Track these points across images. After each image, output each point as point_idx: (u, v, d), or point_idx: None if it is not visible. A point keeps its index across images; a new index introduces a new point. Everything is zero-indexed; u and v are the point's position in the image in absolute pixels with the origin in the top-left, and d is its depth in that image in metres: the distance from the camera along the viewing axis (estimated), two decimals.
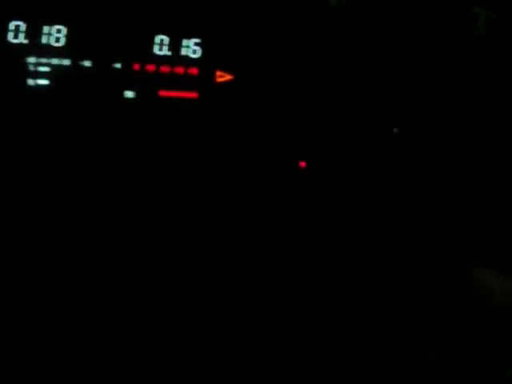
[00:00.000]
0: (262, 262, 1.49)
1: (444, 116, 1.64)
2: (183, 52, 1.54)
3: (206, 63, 1.55)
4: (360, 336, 1.39)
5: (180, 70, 1.54)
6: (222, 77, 1.56)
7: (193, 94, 1.55)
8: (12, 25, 1.45)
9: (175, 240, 1.48)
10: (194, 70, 1.55)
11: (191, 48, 1.55)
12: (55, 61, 1.49)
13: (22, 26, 1.46)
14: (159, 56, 1.53)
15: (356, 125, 1.62)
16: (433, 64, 1.64)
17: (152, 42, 1.53)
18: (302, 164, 1.57)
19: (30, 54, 1.47)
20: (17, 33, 1.45)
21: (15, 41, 1.46)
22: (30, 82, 1.48)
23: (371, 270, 1.49)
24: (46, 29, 1.48)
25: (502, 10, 1.74)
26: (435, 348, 1.34)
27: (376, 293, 1.47)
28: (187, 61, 1.54)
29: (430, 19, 1.68)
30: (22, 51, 1.46)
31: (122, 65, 1.52)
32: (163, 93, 1.54)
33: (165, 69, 1.54)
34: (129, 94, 1.53)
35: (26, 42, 1.46)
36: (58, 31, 1.48)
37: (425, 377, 1.30)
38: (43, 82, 1.49)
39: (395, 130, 1.65)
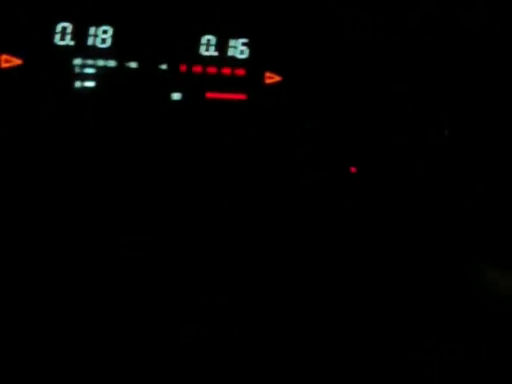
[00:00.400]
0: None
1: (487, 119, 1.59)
2: (230, 52, 1.51)
3: (254, 64, 1.52)
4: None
5: (227, 71, 1.51)
6: (271, 78, 1.52)
7: (241, 96, 1.52)
8: (59, 27, 1.43)
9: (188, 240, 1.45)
10: (241, 71, 1.51)
11: (238, 48, 1.51)
12: (101, 62, 1.47)
13: (69, 27, 1.43)
14: (206, 57, 1.50)
15: (406, 128, 1.57)
16: (483, 67, 1.59)
17: (198, 43, 1.50)
18: (353, 169, 1.53)
19: (77, 56, 1.45)
20: (64, 35, 1.43)
21: (62, 43, 1.44)
22: (77, 83, 1.45)
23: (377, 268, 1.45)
24: (92, 30, 1.45)
25: None
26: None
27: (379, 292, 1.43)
28: (234, 62, 1.51)
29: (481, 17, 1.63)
30: (68, 53, 1.44)
31: (168, 66, 1.49)
32: (210, 94, 1.51)
33: (212, 70, 1.50)
34: (175, 95, 1.50)
35: (72, 43, 1.44)
36: (104, 32, 1.46)
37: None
38: (89, 83, 1.46)
39: (446, 132, 1.60)
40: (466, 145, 1.58)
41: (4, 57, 1.40)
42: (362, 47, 1.55)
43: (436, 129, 1.59)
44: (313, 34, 1.53)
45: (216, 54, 1.50)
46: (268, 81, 1.52)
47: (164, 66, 1.49)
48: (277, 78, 1.52)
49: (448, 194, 1.56)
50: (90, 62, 1.46)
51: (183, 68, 1.49)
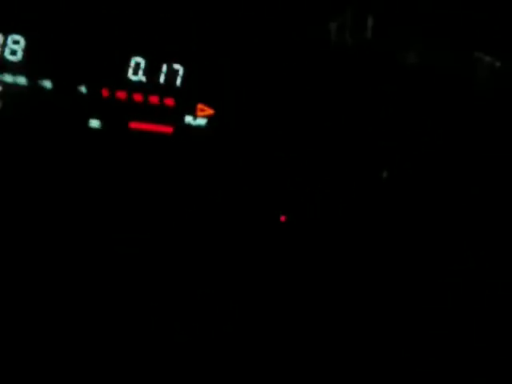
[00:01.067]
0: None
1: (435, 161, 1.50)
2: (161, 79, 1.33)
3: (187, 94, 1.35)
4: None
5: (155, 99, 1.33)
6: (203, 111, 1.36)
7: (167, 129, 1.35)
8: None
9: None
10: (170, 101, 1.34)
11: (170, 75, 1.33)
12: (8, 78, 1.25)
13: None
14: (133, 82, 1.32)
15: (341, 171, 1.46)
16: (429, 108, 1.49)
17: (126, 65, 1.31)
18: (282, 218, 1.39)
19: None
20: None
21: None
22: None
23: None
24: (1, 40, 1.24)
25: (504, 56, 1.61)
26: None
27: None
28: (165, 89, 1.33)
29: (428, 61, 1.53)
30: None
31: (88, 88, 1.29)
32: (134, 125, 1.33)
33: (138, 97, 1.32)
34: (94, 123, 1.31)
35: None
36: (15, 43, 1.25)
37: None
38: None
39: (384, 174, 1.49)
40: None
41: None
42: (300, 82, 1.41)
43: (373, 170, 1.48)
44: (253, 68, 1.37)
45: (144, 79, 1.32)
46: (199, 113, 1.36)
47: (83, 88, 1.29)
48: (209, 111, 1.36)
49: None
50: None
51: (106, 92, 1.30)
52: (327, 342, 1.34)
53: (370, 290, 1.39)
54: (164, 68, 1.33)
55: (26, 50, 1.25)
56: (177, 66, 1.33)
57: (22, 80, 1.26)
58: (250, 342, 1.31)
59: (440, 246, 1.42)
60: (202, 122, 1.36)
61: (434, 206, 1.46)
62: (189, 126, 1.35)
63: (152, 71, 1.32)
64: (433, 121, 1.48)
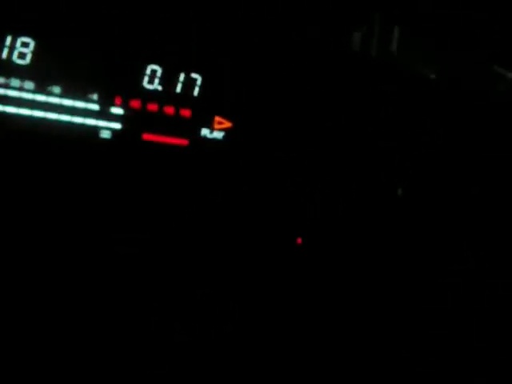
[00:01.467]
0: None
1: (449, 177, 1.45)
2: (178, 89, 1.25)
3: (205, 105, 1.26)
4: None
5: (171, 110, 1.25)
6: (221, 123, 1.28)
7: (182, 141, 1.26)
8: None
9: None
10: (187, 112, 1.26)
11: (189, 84, 1.25)
12: (16, 82, 1.16)
13: None
14: (148, 91, 1.23)
15: (356, 190, 1.40)
16: (449, 121, 1.44)
17: (142, 73, 1.22)
18: (299, 241, 1.33)
19: None
20: None
21: None
22: None
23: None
24: (8, 40, 1.14)
25: None
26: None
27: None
28: (182, 100, 1.25)
29: (449, 74, 1.48)
30: None
31: (100, 96, 1.20)
32: (147, 136, 1.24)
33: (153, 107, 1.24)
34: (106, 133, 1.22)
35: None
36: (24, 45, 1.15)
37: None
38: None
39: (399, 191, 1.44)
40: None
41: None
42: (319, 97, 1.34)
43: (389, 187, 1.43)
44: (274, 78, 1.30)
45: (160, 88, 1.23)
46: (217, 126, 1.28)
47: (94, 96, 1.20)
48: (227, 124, 1.28)
49: None
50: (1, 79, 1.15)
51: (118, 101, 1.21)
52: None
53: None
54: (181, 77, 1.24)
55: (35, 54, 1.16)
56: (195, 75, 1.25)
57: (29, 85, 1.16)
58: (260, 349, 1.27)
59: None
60: (218, 135, 1.28)
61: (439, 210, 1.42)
62: (205, 138, 1.27)
63: (168, 80, 1.23)
64: (452, 134, 1.44)
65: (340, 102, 1.34)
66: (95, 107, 1.20)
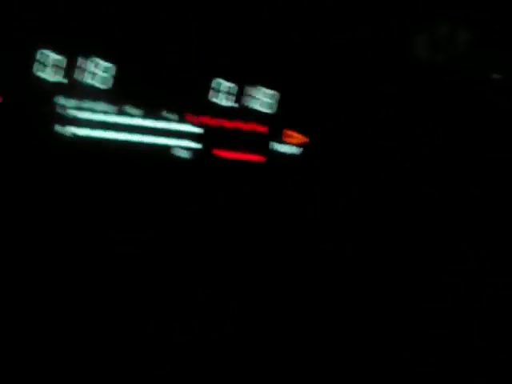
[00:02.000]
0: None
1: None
2: (251, 104, 1.24)
3: (278, 120, 1.25)
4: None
5: (245, 126, 1.24)
6: (296, 138, 1.26)
7: (257, 157, 1.25)
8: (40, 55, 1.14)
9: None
10: (262, 128, 1.25)
11: (262, 100, 1.24)
12: (98, 106, 1.18)
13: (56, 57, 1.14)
14: (220, 107, 1.23)
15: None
16: None
17: (212, 89, 1.22)
18: None
19: (63, 94, 1.16)
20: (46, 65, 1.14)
21: (45, 75, 1.15)
22: (61, 128, 1.17)
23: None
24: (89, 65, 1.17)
25: None
26: None
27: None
28: (255, 116, 1.24)
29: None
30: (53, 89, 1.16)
31: (173, 114, 1.21)
32: (223, 153, 1.24)
33: (226, 123, 1.23)
34: (179, 150, 1.23)
35: (59, 78, 1.15)
36: (106, 70, 1.17)
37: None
38: (78, 130, 1.18)
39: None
40: None
41: None
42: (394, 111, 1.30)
43: None
44: (346, 93, 1.27)
45: (234, 104, 1.23)
46: (292, 141, 1.26)
47: (169, 115, 1.21)
48: (302, 139, 1.26)
49: None
50: (79, 103, 1.17)
51: (190, 118, 1.22)
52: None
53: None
54: (255, 93, 1.23)
55: (115, 78, 1.17)
56: (270, 91, 1.24)
57: (109, 107, 1.18)
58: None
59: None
60: (290, 149, 1.26)
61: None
62: (280, 154, 1.26)
63: (243, 96, 1.23)
64: None
65: (410, 111, 1.30)
66: (169, 126, 1.21)
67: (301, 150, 1.26)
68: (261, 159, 1.25)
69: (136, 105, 1.19)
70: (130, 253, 1.20)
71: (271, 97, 1.24)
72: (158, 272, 1.22)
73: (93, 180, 1.19)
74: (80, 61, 1.16)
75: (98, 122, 1.18)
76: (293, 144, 1.26)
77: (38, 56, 1.14)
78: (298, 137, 1.26)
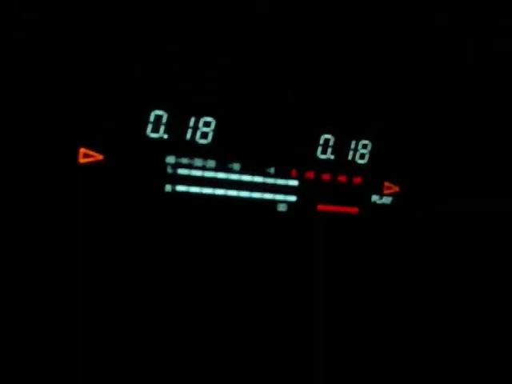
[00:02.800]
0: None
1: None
2: (349, 157, 1.24)
3: (374, 172, 1.26)
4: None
5: (343, 178, 1.24)
6: (389, 188, 1.27)
7: (353, 209, 1.25)
8: (153, 116, 1.10)
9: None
10: (358, 179, 1.25)
11: (359, 152, 1.25)
12: (199, 162, 1.15)
13: (164, 116, 1.11)
14: (322, 160, 1.23)
15: None
16: None
17: (315, 144, 1.22)
18: None
19: (171, 152, 1.13)
20: (157, 126, 1.11)
21: (155, 135, 1.11)
22: (169, 187, 1.13)
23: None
24: (191, 121, 1.14)
25: None
26: None
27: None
28: (353, 167, 1.24)
29: None
30: (161, 148, 1.12)
31: (277, 170, 1.20)
32: (321, 207, 1.23)
33: (326, 177, 1.23)
34: (282, 206, 1.21)
35: (166, 136, 1.12)
36: (206, 125, 1.15)
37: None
38: (182, 188, 1.14)
39: None
40: None
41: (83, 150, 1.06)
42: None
43: None
44: (434, 143, 1.29)
45: (333, 157, 1.23)
46: (386, 191, 1.27)
47: (272, 170, 1.20)
48: (395, 189, 1.27)
49: None
50: (185, 160, 1.14)
51: (294, 173, 1.21)
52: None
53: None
54: (353, 145, 1.24)
55: (216, 132, 1.15)
56: (365, 142, 1.24)
57: (211, 163, 1.16)
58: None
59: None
60: (387, 200, 1.27)
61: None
62: (375, 204, 1.26)
63: (340, 149, 1.23)
64: None
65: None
66: (272, 181, 1.20)
67: (393, 199, 1.27)
68: (356, 210, 1.25)
69: (242, 160, 1.17)
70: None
71: (367, 148, 1.25)
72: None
73: (203, 234, 1.16)
74: (191, 120, 1.13)
75: (206, 179, 1.15)
76: (386, 194, 1.27)
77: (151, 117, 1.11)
78: (392, 186, 1.27)
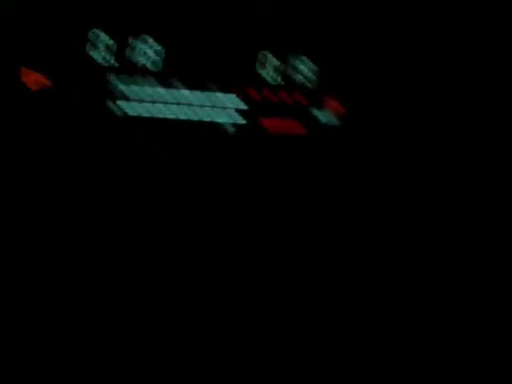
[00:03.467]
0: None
1: None
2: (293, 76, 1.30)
3: (319, 92, 1.30)
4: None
5: (287, 97, 1.30)
6: (336, 110, 1.31)
7: (301, 130, 1.30)
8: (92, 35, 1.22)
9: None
10: (303, 100, 1.30)
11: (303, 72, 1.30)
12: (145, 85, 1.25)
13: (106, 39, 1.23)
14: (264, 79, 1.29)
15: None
16: None
17: (255, 61, 1.28)
18: None
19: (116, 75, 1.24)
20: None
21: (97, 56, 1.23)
22: (112, 106, 1.24)
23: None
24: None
25: None
26: None
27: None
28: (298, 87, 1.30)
29: None
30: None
31: (220, 88, 1.27)
32: (267, 122, 1.29)
33: (269, 95, 1.29)
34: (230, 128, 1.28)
35: (112, 60, 1.23)
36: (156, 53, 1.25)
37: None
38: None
39: None
40: None
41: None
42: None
43: None
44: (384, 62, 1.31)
45: (277, 76, 1.29)
46: (332, 112, 1.31)
47: (213, 88, 1.27)
48: (341, 110, 1.31)
49: None
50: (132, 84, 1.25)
51: (236, 91, 1.28)
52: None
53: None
54: (297, 64, 1.29)
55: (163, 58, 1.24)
56: (309, 63, 1.29)
57: (159, 89, 1.25)
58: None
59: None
60: (335, 121, 1.30)
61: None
62: (321, 124, 1.30)
63: (283, 68, 1.29)
64: None
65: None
66: (214, 100, 1.27)
67: (340, 120, 1.31)
68: (302, 130, 1.30)
69: (183, 81, 1.26)
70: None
71: (312, 69, 1.30)
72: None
73: (143, 155, 1.25)
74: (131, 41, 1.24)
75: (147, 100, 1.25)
76: (332, 114, 1.30)
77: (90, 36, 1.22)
78: (338, 107, 1.30)
